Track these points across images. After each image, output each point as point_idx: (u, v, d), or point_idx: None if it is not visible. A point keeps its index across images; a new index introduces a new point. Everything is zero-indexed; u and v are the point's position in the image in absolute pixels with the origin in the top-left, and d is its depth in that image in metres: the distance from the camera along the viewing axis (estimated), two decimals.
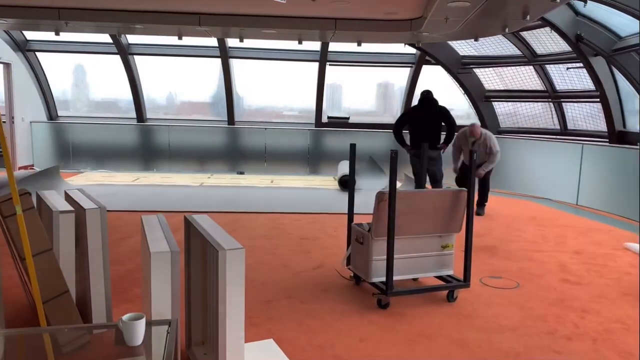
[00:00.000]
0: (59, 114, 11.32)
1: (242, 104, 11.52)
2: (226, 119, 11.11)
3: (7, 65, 9.83)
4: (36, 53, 10.59)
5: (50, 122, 11.06)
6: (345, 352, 3.07)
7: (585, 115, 9.10)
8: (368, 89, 11.63)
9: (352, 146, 4.32)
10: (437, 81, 10.55)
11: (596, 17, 7.62)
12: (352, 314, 3.66)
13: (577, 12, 7.72)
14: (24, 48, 10.32)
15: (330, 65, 10.65)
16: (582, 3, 7.06)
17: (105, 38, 9.94)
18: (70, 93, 11.76)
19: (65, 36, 9.19)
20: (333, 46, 10.24)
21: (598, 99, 8.23)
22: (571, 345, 3.29)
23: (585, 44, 7.72)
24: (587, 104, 8.92)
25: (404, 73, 10.64)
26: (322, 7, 6.55)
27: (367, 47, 9.75)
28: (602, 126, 8.45)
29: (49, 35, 9.28)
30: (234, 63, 10.70)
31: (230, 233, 2.59)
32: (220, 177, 10.05)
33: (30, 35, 10.26)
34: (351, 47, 9.63)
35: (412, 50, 10.12)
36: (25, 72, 10.45)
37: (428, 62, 10.37)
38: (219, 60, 10.45)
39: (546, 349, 3.23)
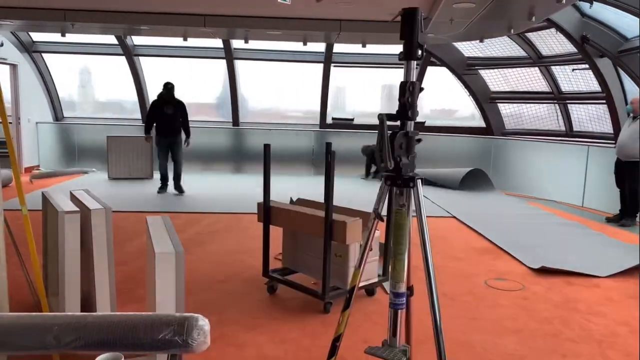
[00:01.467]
0: (64, 115, 11.37)
1: (247, 105, 11.54)
2: (231, 120, 11.13)
3: (13, 67, 9.88)
4: (42, 54, 10.64)
5: (56, 123, 11.11)
6: (349, 353, 3.07)
7: (591, 117, 9.05)
8: (372, 91, 11.63)
9: (266, 147, 4.15)
10: (442, 82, 10.54)
11: (602, 18, 7.58)
12: (357, 315, 3.65)
13: (582, 13, 7.69)
14: (30, 49, 10.37)
15: (334, 66, 10.66)
16: (588, 4, 7.04)
17: (111, 39, 9.99)
18: (76, 94, 11.81)
19: (71, 37, 9.24)
20: (338, 47, 10.24)
21: (604, 101, 8.20)
22: (577, 348, 3.27)
23: (591, 45, 7.69)
24: (592, 105, 8.88)
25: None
26: (326, 8, 6.56)
27: (371, 49, 9.75)
28: (608, 128, 8.40)
29: (55, 37, 9.33)
30: (239, 64, 10.72)
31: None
32: (225, 178, 10.06)
33: (36, 36, 10.31)
34: (356, 48, 9.63)
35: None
36: (32, 73, 10.50)
37: (433, 64, 10.36)
38: (224, 62, 10.47)
39: (551, 352, 3.21)
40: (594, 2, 6.83)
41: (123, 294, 3.90)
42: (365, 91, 11.51)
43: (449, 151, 10.53)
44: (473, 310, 3.85)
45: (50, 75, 10.92)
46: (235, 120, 11.11)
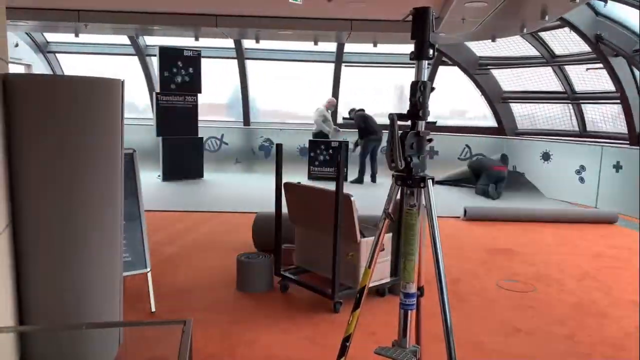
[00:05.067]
0: None
1: (258, 105, 11.56)
2: (242, 120, 11.17)
3: (28, 67, 10.00)
4: (56, 54, 10.76)
5: None
6: (359, 353, 3.06)
7: (605, 117, 8.95)
8: (384, 90, 11.59)
9: (279, 146, 4.19)
10: (453, 82, 10.48)
11: (617, 17, 7.49)
12: (366, 314, 3.64)
13: (597, 12, 7.60)
14: (44, 50, 10.49)
15: (346, 66, 10.64)
16: (603, 3, 6.96)
17: (124, 39, 10.07)
18: None
19: (84, 38, 9.33)
20: (349, 47, 10.22)
21: (618, 100, 8.10)
22: (590, 350, 3.23)
23: (605, 45, 7.60)
24: (607, 105, 8.78)
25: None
26: (338, 8, 6.55)
27: (383, 48, 9.72)
28: (622, 128, 8.30)
29: (69, 37, 9.43)
30: (250, 64, 10.75)
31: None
32: (236, 177, 10.09)
33: (50, 37, 10.43)
34: (367, 48, 9.61)
35: None
36: (46, 73, 10.62)
37: (444, 63, 10.31)
38: (235, 62, 10.50)
39: (564, 354, 3.18)
40: (609, 1, 6.75)
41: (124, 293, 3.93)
42: (377, 91, 11.48)
43: (460, 151, 10.46)
44: (484, 311, 3.82)
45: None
46: (247, 120, 11.14)
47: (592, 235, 6.30)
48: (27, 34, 9.86)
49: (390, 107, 11.67)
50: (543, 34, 8.66)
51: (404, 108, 2.18)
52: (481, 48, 9.83)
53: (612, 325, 3.61)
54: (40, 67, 10.35)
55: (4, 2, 2.45)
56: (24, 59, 9.81)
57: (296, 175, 9.70)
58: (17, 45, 9.54)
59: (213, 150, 10.88)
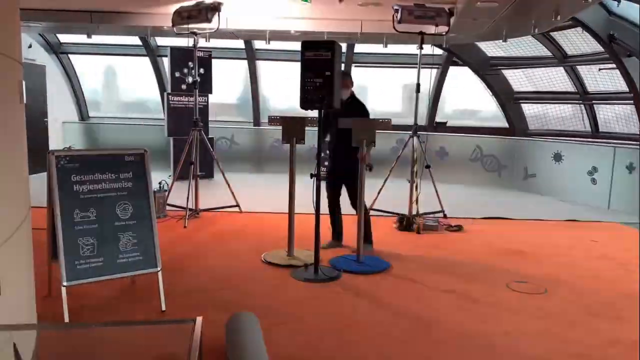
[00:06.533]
0: (90, 115, 11.59)
1: (268, 105, 11.59)
2: (252, 120, 11.20)
3: (41, 68, 10.11)
4: (69, 55, 10.87)
5: (81, 123, 11.33)
6: (370, 355, 3.06)
7: (618, 117, 8.87)
8: (394, 91, 11.55)
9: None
10: (464, 82, 10.43)
11: (630, 16, 7.42)
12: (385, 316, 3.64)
13: (609, 12, 7.53)
14: (57, 50, 10.60)
15: (355, 66, 10.63)
16: (616, 2, 6.90)
17: (135, 40, 10.15)
18: (101, 94, 12.02)
19: (96, 39, 9.42)
20: (359, 47, 10.21)
21: (631, 101, 8.02)
22: (602, 353, 3.20)
23: (618, 44, 7.53)
24: (619, 105, 8.70)
25: (431, 74, 10.51)
26: (348, 8, 6.56)
27: (393, 49, 9.69)
28: (635, 128, 8.22)
29: (82, 38, 9.52)
30: (260, 65, 10.78)
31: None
32: (246, 177, 10.12)
33: (63, 38, 10.53)
34: (377, 48, 9.59)
35: (439, 52, 10.02)
36: (59, 73, 10.73)
37: (455, 63, 10.26)
38: (245, 62, 10.54)
39: (574, 356, 3.16)
40: (622, 0, 6.69)
41: (127, 293, 3.96)
42: (387, 91, 11.44)
43: (471, 152, 10.41)
44: (494, 313, 3.80)
45: (77, 76, 11.14)
46: (257, 120, 11.17)
47: (603, 236, 6.24)
48: (40, 35, 9.97)
49: (399, 107, 11.65)
50: (555, 34, 8.59)
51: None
52: (492, 48, 9.77)
53: (624, 328, 3.58)
54: (53, 67, 10.46)
55: (18, 4, 2.48)
56: (37, 60, 9.92)
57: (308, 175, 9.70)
58: (30, 47, 9.65)
59: (223, 151, 10.93)
